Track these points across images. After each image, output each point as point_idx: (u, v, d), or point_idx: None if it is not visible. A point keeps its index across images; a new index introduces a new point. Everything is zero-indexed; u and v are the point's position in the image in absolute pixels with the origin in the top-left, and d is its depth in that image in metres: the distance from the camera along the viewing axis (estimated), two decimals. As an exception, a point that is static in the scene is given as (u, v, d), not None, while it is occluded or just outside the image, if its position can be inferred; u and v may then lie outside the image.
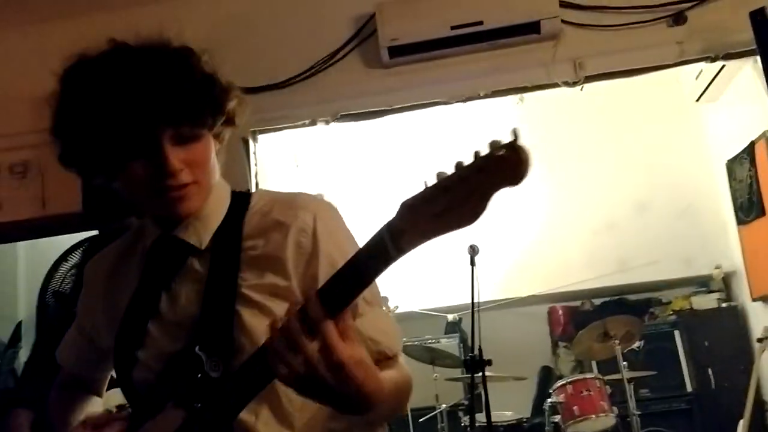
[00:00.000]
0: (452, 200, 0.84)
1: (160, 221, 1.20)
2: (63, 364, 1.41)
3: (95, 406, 1.41)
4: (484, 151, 0.83)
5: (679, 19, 3.16)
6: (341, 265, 0.97)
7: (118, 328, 1.21)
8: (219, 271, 1.15)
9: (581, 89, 3.28)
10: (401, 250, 0.88)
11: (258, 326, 1.10)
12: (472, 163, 0.83)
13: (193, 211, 1.16)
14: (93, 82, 1.09)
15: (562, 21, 3.18)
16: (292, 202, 1.20)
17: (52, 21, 3.59)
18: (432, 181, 0.86)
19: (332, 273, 0.99)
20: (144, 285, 1.21)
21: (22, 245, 5.14)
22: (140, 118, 1.06)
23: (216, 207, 1.20)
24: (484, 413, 3.55)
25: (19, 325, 5.07)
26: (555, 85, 3.23)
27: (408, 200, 0.88)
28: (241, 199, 1.24)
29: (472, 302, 2.53)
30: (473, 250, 2.80)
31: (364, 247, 0.93)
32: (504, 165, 0.81)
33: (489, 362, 2.98)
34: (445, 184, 0.84)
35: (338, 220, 1.22)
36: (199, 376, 1.08)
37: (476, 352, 2.84)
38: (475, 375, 2.99)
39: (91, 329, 1.32)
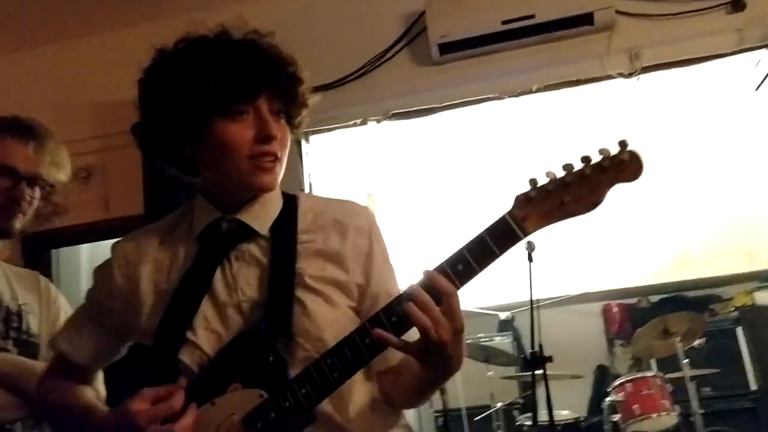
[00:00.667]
0: (575, 193, 1.07)
1: (222, 203, 1.24)
2: (70, 354, 1.33)
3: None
4: (599, 155, 1.07)
5: (737, 5, 3.08)
6: (387, 263, 1.25)
7: (166, 307, 1.21)
8: (280, 259, 1.20)
9: (637, 80, 3.21)
10: (526, 232, 1.07)
11: (322, 313, 1.18)
12: (595, 163, 1.07)
13: (273, 187, 1.22)
14: (204, 45, 1.19)
15: (616, 11, 3.13)
16: (346, 205, 1.32)
17: (115, 30, 3.71)
18: (543, 179, 1.08)
19: (382, 270, 1.25)
20: (197, 266, 1.22)
21: (84, 249, 5.31)
22: (248, 81, 1.14)
23: (275, 199, 1.28)
24: (542, 411, 3.52)
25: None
26: (610, 77, 3.18)
27: (524, 193, 1.09)
28: (288, 197, 1.31)
29: (531, 299, 2.50)
30: (530, 246, 2.76)
31: (487, 231, 1.08)
32: (625, 167, 1.08)
33: (550, 359, 2.94)
34: (566, 180, 1.07)
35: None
36: (272, 359, 1.12)
37: (536, 348, 2.79)
38: (536, 372, 2.95)
39: (123, 314, 1.27)
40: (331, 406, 1.15)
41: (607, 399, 3.97)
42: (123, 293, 1.27)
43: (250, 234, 1.23)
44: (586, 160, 1.07)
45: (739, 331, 4.72)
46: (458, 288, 1.06)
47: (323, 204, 1.31)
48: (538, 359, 2.83)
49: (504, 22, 3.14)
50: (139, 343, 1.32)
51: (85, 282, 5.39)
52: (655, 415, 3.76)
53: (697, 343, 4.65)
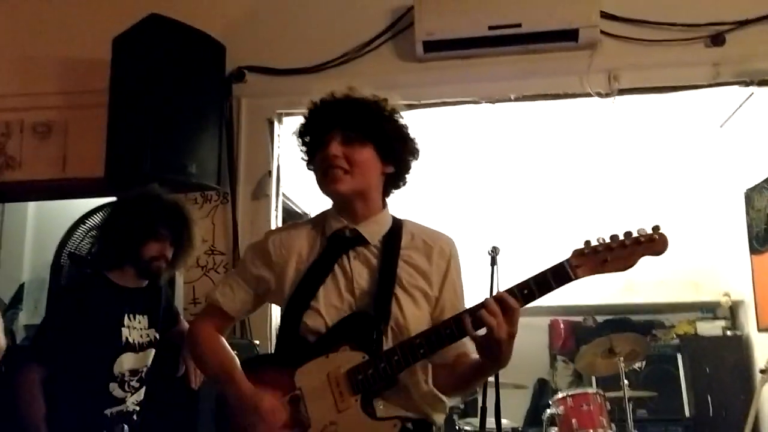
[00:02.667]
0: (616, 256, 1.48)
1: (345, 213, 1.68)
2: (224, 305, 1.74)
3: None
4: (636, 232, 1.47)
5: (717, 40, 3.15)
6: (458, 282, 1.72)
7: (299, 282, 1.65)
8: (386, 265, 1.64)
9: (613, 102, 3.26)
10: (577, 277, 1.49)
11: (410, 310, 1.61)
12: (633, 238, 1.48)
13: (341, 192, 1.62)
14: (323, 101, 1.69)
15: (601, 31, 3.17)
16: (435, 233, 1.75)
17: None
18: (596, 241, 1.50)
19: (453, 287, 1.69)
20: (324, 257, 1.67)
21: (32, 208, 5.13)
22: (326, 120, 1.64)
23: (385, 220, 1.72)
24: (479, 418, 3.53)
25: (21, 286, 5.06)
26: (587, 95, 3.21)
27: (579, 249, 1.50)
28: (396, 220, 1.75)
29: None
30: (495, 251, 2.77)
31: (549, 270, 1.49)
32: (655, 244, 1.47)
33: None
34: (611, 246, 1.48)
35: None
36: (375, 335, 1.55)
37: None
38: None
39: (269, 282, 1.71)
40: (407, 377, 1.57)
41: (548, 411, 4.02)
42: (277, 267, 1.69)
43: (365, 242, 1.66)
44: (627, 234, 1.48)
45: (680, 358, 4.84)
46: (521, 306, 1.47)
47: (419, 230, 1.74)
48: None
49: (491, 28, 3.15)
50: None
51: (30, 241, 5.20)
52: (591, 430, 3.82)
53: (637, 365, 4.76)
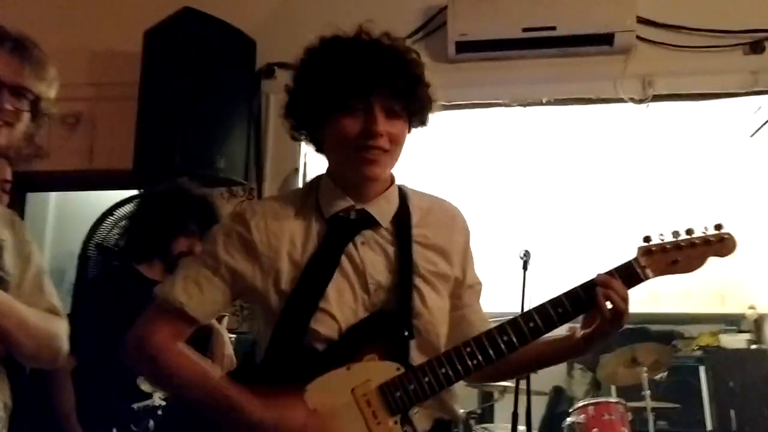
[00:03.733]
0: (686, 256, 1.41)
1: (347, 189, 1.37)
2: (190, 308, 1.34)
3: None
4: (706, 231, 1.41)
5: (757, 47, 3.10)
6: (473, 257, 1.50)
7: (299, 277, 1.32)
8: (402, 251, 1.37)
9: (647, 107, 3.21)
10: (647, 277, 1.39)
11: (433, 301, 1.37)
12: (702, 237, 1.41)
13: (377, 177, 1.34)
14: (336, 45, 1.35)
15: (637, 36, 3.13)
16: (447, 206, 1.51)
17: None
18: (659, 239, 1.41)
19: (472, 264, 1.50)
20: (327, 245, 1.35)
21: (53, 198, 5.15)
22: (362, 81, 1.28)
23: (394, 196, 1.42)
24: (501, 424, 3.47)
25: (42, 277, 5.07)
26: (621, 101, 3.17)
27: (645, 246, 1.41)
28: (401, 195, 1.44)
29: (522, 308, 2.46)
30: (527, 255, 2.73)
31: (616, 270, 1.38)
32: (724, 244, 1.42)
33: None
34: (680, 244, 1.40)
35: None
36: (406, 334, 1.31)
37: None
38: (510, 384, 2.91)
39: (250, 279, 1.34)
40: None
41: (568, 419, 3.96)
42: (264, 260, 1.34)
43: (375, 224, 1.37)
44: (691, 232, 1.41)
45: (702, 370, 4.75)
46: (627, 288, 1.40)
47: (428, 201, 1.47)
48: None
49: (525, 30, 3.12)
50: None
51: (52, 230, 5.23)
52: (612, 440, 3.76)
53: (658, 376, 4.69)
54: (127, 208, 2.91)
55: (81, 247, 2.93)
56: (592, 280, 1.37)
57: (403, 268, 1.35)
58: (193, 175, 2.69)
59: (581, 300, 1.36)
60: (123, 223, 2.80)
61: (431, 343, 1.35)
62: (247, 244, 1.34)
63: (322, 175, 1.43)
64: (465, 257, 1.47)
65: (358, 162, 1.31)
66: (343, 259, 1.33)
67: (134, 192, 3.11)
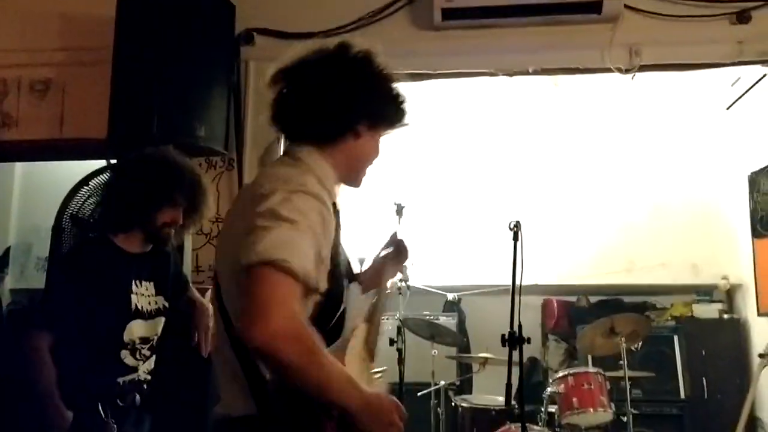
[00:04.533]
0: None
1: (346, 182, 1.61)
2: (319, 285, 1.36)
3: None
4: None
5: (743, 17, 3.08)
6: None
7: (335, 264, 1.44)
8: None
9: (632, 78, 3.18)
10: None
11: None
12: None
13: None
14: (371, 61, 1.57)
15: (625, 5, 3.09)
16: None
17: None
18: None
19: None
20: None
21: (18, 170, 4.97)
22: (404, 116, 1.64)
23: None
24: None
25: (7, 250, 4.94)
26: (608, 71, 3.14)
27: None
28: None
29: (513, 278, 2.44)
30: (517, 226, 2.70)
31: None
32: None
33: (528, 340, 2.91)
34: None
35: None
36: None
37: (515, 329, 2.74)
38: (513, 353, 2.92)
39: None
40: None
41: (548, 389, 3.99)
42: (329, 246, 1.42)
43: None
44: None
45: (676, 340, 4.84)
46: None
47: None
48: (516, 339, 2.78)
49: (512, -4, 3.05)
50: None
51: (17, 203, 5.06)
52: (592, 410, 3.80)
53: (633, 346, 4.75)
54: (103, 178, 2.79)
55: (55, 219, 2.81)
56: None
57: None
58: (173, 144, 2.60)
59: None
60: (98, 192, 2.70)
61: None
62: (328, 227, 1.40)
63: (323, 162, 1.52)
64: None
65: (361, 177, 1.62)
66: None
67: (108, 161, 2.99)
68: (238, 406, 1.35)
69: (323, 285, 1.36)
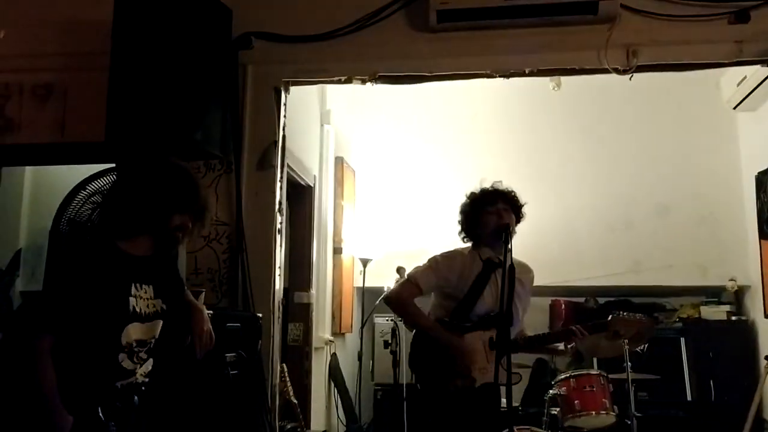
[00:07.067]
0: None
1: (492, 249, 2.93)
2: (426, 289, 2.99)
3: None
4: None
5: (741, 16, 3.04)
6: None
7: (469, 289, 2.89)
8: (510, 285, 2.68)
9: (630, 78, 3.16)
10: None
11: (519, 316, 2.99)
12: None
13: None
14: None
15: (621, 5, 3.07)
16: (525, 265, 3.05)
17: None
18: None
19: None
20: (482, 274, 2.90)
21: (29, 173, 5.03)
22: None
23: None
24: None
25: (18, 252, 4.99)
26: (605, 71, 3.12)
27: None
28: None
29: (503, 285, 2.44)
30: (507, 229, 2.70)
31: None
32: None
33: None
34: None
35: None
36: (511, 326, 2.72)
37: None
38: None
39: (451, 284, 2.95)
40: None
41: (550, 391, 3.97)
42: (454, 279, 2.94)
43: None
44: None
45: (683, 342, 4.80)
46: None
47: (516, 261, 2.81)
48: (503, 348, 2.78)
49: (508, -2, 3.04)
50: None
51: (28, 205, 5.12)
52: (594, 412, 3.78)
53: (640, 347, 4.71)
54: (101, 182, 2.82)
55: (52, 222, 2.84)
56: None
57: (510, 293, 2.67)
58: (169, 148, 2.63)
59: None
60: (96, 197, 2.73)
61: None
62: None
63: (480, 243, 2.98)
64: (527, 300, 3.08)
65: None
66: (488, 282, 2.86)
67: (107, 166, 3.02)
68: None
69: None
